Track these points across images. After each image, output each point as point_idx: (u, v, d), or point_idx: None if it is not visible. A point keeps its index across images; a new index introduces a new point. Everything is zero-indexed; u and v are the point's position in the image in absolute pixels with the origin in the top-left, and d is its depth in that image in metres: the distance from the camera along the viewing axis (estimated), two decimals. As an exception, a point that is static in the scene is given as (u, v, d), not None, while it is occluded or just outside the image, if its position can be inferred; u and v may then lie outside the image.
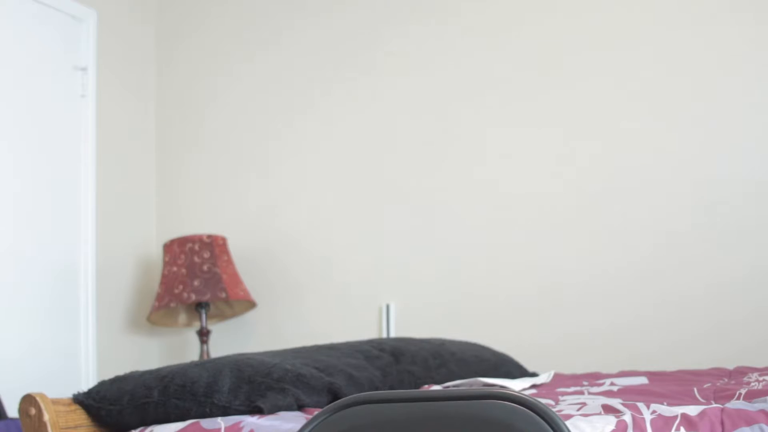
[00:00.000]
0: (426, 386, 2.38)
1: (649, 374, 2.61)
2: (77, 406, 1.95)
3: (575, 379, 2.60)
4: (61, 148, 3.83)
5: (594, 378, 2.62)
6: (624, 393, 2.09)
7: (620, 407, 1.73)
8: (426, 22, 3.94)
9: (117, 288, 4.08)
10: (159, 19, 4.45)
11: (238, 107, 4.26)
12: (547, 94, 3.71)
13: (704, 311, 3.40)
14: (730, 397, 1.95)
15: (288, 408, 1.93)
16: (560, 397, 2.07)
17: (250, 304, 4.04)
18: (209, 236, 3.90)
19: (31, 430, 1.84)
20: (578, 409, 1.77)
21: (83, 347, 3.85)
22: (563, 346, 3.58)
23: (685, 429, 1.60)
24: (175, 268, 3.85)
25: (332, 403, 1.41)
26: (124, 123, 4.21)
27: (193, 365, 1.98)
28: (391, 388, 2.31)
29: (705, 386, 2.22)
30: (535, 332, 3.63)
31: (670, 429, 1.60)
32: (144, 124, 4.35)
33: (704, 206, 3.45)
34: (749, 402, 1.73)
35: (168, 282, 3.84)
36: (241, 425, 1.79)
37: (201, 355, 3.91)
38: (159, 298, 3.85)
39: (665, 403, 1.79)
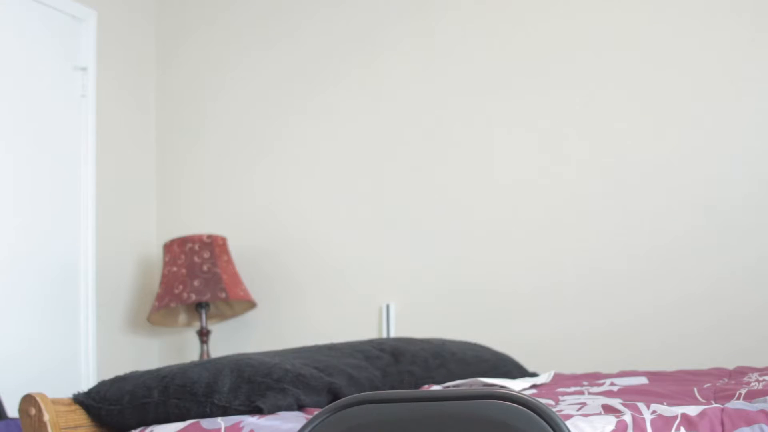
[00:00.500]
0: (426, 386, 2.38)
1: (649, 374, 2.61)
2: (77, 406, 1.95)
3: (575, 379, 2.60)
4: (61, 148, 3.83)
5: (594, 378, 2.62)
6: (624, 393, 2.09)
7: (620, 407, 1.73)
8: (426, 22, 3.94)
9: (117, 288, 4.08)
10: (159, 19, 4.45)
11: (238, 107, 4.26)
12: (547, 94, 3.71)
13: (704, 311, 3.40)
14: (730, 397, 1.95)
15: (288, 408, 1.93)
16: (560, 397, 2.07)
17: (250, 304, 4.05)
18: (209, 236, 3.90)
19: (31, 430, 1.84)
20: (578, 409, 1.77)
21: (83, 347, 3.85)
22: (563, 346, 3.58)
23: (685, 429, 1.60)
24: (175, 268, 3.85)
25: (332, 403, 1.41)
26: (124, 123, 4.21)
27: (193, 365, 1.98)
28: (391, 388, 2.31)
29: (705, 386, 2.22)
30: (535, 332, 3.63)
31: (670, 429, 1.60)
32: (144, 124, 4.35)
33: (704, 206, 3.45)
34: (749, 402, 1.73)
35: (168, 282, 3.84)
36: (241, 425, 1.79)
37: (201, 355, 3.91)
38: (159, 298, 3.85)
39: (665, 403, 1.79)
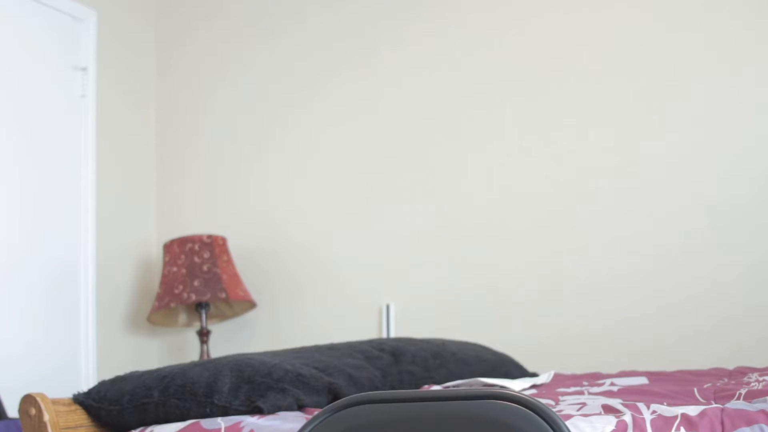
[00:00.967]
0: (426, 386, 2.38)
1: (649, 374, 2.61)
2: (77, 406, 1.95)
3: (575, 379, 2.60)
4: (61, 148, 3.83)
5: (594, 378, 2.62)
6: (624, 393, 2.09)
7: (620, 407, 1.73)
8: (426, 20, 3.94)
9: (117, 288, 4.08)
10: (159, 19, 4.45)
11: (238, 107, 4.26)
12: (546, 94, 3.71)
13: (704, 311, 3.40)
14: (730, 397, 1.95)
15: (288, 408, 1.93)
16: (560, 397, 2.07)
17: (250, 304, 4.04)
18: (209, 236, 3.90)
19: (31, 430, 1.84)
20: (578, 409, 1.77)
21: (83, 347, 3.85)
22: (563, 346, 3.58)
23: (685, 429, 1.60)
24: (175, 268, 3.85)
25: (332, 403, 1.41)
26: (124, 123, 4.21)
27: (193, 365, 1.98)
28: (391, 388, 2.31)
29: (705, 386, 2.22)
30: (535, 332, 3.63)
31: (670, 429, 1.60)
32: (144, 123, 4.35)
33: (704, 206, 3.45)
34: (749, 402, 1.73)
35: (168, 282, 3.84)
36: (241, 425, 1.79)
37: (201, 355, 3.91)
38: (159, 298, 3.85)
39: (665, 403, 1.79)
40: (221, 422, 1.82)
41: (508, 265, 3.72)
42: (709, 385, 2.26)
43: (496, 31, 3.82)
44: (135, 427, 1.92)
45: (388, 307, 3.88)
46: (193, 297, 3.76)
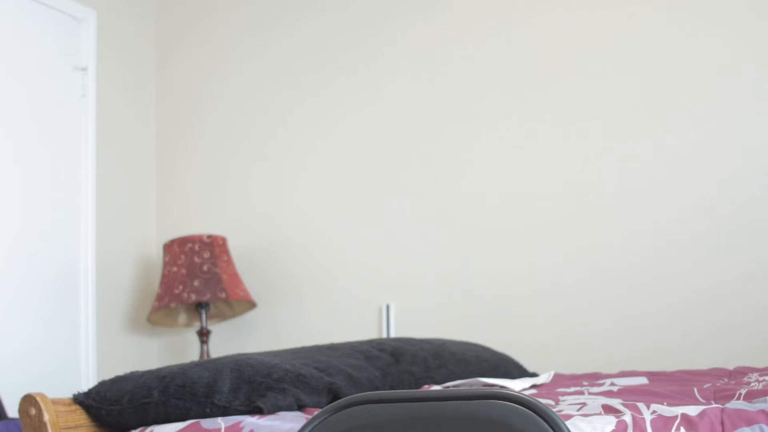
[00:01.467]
0: (426, 386, 2.38)
1: (649, 374, 2.61)
2: (77, 406, 1.95)
3: (575, 379, 2.60)
4: (61, 148, 3.83)
5: (594, 378, 2.62)
6: (624, 393, 2.09)
7: (620, 407, 1.73)
8: (426, 21, 3.94)
9: (117, 288, 4.08)
10: (159, 18, 4.45)
11: (238, 107, 4.26)
12: (546, 94, 3.71)
13: (704, 311, 3.40)
14: (730, 397, 1.95)
15: (288, 408, 1.93)
16: (560, 397, 2.07)
17: (250, 304, 4.04)
18: (209, 236, 3.90)
19: (31, 430, 1.84)
20: (578, 409, 1.77)
21: (83, 347, 3.85)
22: (563, 346, 3.58)
23: (685, 429, 1.60)
24: (175, 268, 3.85)
25: (332, 403, 1.41)
26: (124, 123, 4.21)
27: (193, 365, 1.98)
28: (391, 388, 2.31)
29: (705, 386, 2.22)
30: (535, 332, 3.63)
31: (670, 429, 1.60)
32: (144, 124, 4.35)
33: (704, 207, 3.45)
34: (749, 402, 1.73)
35: (168, 282, 3.84)
36: (241, 425, 1.79)
37: (201, 355, 3.91)
38: (159, 298, 3.85)
39: (665, 403, 1.79)
40: (221, 422, 1.82)
41: (508, 265, 3.72)
42: (709, 385, 2.26)
43: (497, 32, 3.82)
44: (135, 427, 1.92)
45: (388, 307, 3.88)
46: (193, 297, 3.76)
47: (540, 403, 1.32)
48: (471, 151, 3.82)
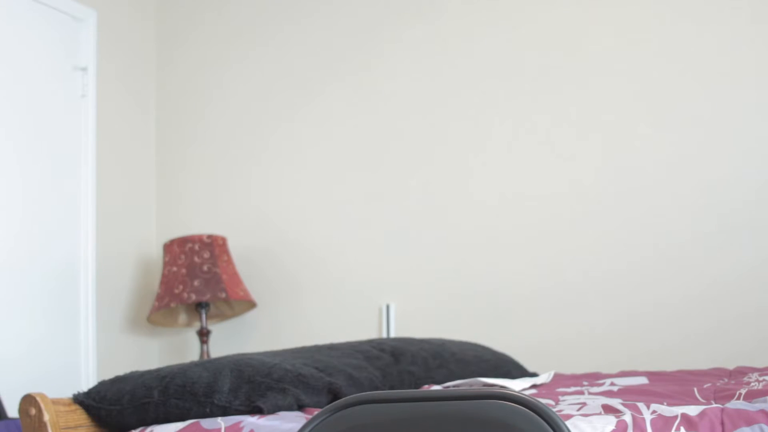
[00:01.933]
0: (426, 386, 2.38)
1: (649, 374, 2.61)
2: (77, 406, 1.95)
3: (575, 379, 2.60)
4: (61, 148, 3.83)
5: (594, 378, 2.62)
6: (624, 393, 2.09)
7: (620, 407, 1.73)
8: (426, 21, 3.94)
9: (117, 288, 4.08)
10: (159, 19, 4.45)
11: (238, 107, 4.26)
12: (547, 94, 3.71)
13: (704, 311, 3.40)
14: (730, 397, 1.95)
15: (288, 408, 1.93)
16: (560, 397, 2.07)
17: (250, 304, 4.04)
18: (209, 236, 3.90)
19: (31, 430, 1.84)
20: (578, 409, 1.77)
21: (83, 347, 3.85)
22: (563, 346, 3.58)
23: (685, 429, 1.60)
24: (175, 268, 3.85)
25: (332, 403, 1.41)
26: (124, 123, 4.21)
27: (193, 365, 1.98)
28: (391, 388, 2.32)
29: (705, 386, 2.22)
30: (535, 332, 3.63)
31: (670, 429, 1.60)
32: (144, 123, 4.35)
33: (704, 207, 3.45)
34: (749, 402, 1.73)
35: (168, 282, 3.84)
36: (241, 425, 1.79)
37: (201, 355, 3.91)
38: (159, 298, 3.85)
39: (665, 403, 1.79)
40: (221, 422, 1.82)
41: (508, 265, 3.72)
42: (709, 385, 2.26)
43: (497, 32, 3.82)
44: (135, 427, 1.92)
45: (388, 307, 3.88)
46: (193, 297, 3.76)
47: (540, 403, 1.32)
48: (471, 151, 3.82)
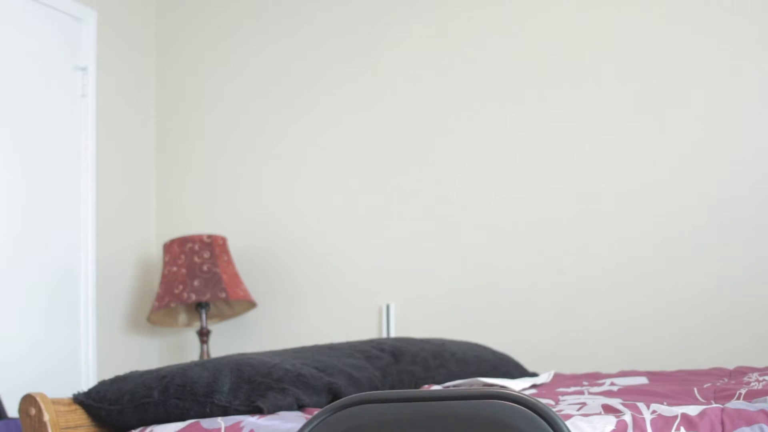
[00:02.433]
0: (426, 386, 2.38)
1: (649, 374, 2.61)
2: (77, 406, 1.95)
3: (575, 379, 2.60)
4: (61, 148, 3.83)
5: (594, 378, 2.62)
6: (624, 393, 2.09)
7: (620, 407, 1.73)
8: (426, 21, 3.94)
9: (117, 288, 4.08)
10: (159, 19, 4.45)
11: (238, 107, 4.26)
12: (548, 94, 3.71)
13: (704, 311, 3.40)
14: (730, 397, 1.95)
15: (288, 408, 1.93)
16: (560, 397, 2.07)
17: (250, 304, 4.05)
18: (209, 236, 3.90)
19: (31, 430, 1.84)
20: (578, 409, 1.77)
21: (83, 347, 3.85)
22: (563, 346, 3.58)
23: (685, 429, 1.60)
24: (175, 268, 3.85)
25: (332, 403, 1.41)
26: (124, 123, 4.21)
27: (193, 365, 1.98)
28: (391, 388, 2.32)
29: (705, 386, 2.22)
30: (535, 332, 3.63)
31: (670, 429, 1.60)
32: (144, 123, 4.35)
33: (704, 206, 3.45)
34: (749, 402, 1.73)
35: (168, 282, 3.84)
36: (241, 425, 1.79)
37: (201, 355, 3.91)
38: (159, 298, 3.85)
39: (665, 403, 1.79)
40: (221, 422, 1.82)
41: (508, 265, 3.72)
42: (709, 385, 2.26)
43: (497, 32, 3.82)
44: (135, 427, 1.92)
45: (388, 307, 3.88)
46: (193, 297, 3.76)
47: (540, 403, 1.32)
48: (471, 151, 3.82)
